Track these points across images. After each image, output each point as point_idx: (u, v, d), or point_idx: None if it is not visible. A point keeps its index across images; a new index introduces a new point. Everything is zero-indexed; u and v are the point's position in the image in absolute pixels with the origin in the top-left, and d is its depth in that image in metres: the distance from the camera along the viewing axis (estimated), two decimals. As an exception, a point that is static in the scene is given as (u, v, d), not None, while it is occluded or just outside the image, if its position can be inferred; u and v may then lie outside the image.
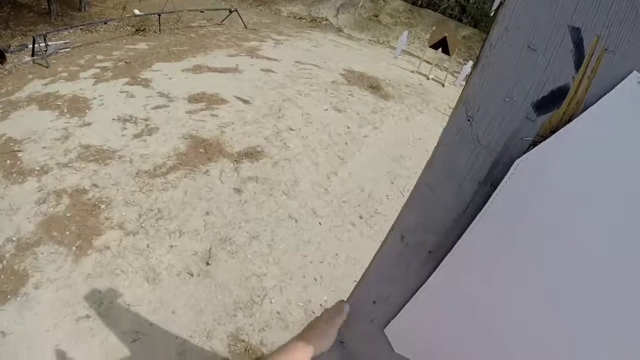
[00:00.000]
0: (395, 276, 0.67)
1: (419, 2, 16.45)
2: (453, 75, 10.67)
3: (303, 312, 2.89)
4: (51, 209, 3.47)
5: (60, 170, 3.94)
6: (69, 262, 2.97)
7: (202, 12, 10.43)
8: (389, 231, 0.71)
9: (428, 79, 9.85)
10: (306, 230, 3.59)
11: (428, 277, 0.62)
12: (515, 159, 0.46)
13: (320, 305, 2.98)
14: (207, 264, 3.06)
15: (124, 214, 3.42)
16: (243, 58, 7.86)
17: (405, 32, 10.90)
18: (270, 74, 7.18)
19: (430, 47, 9.67)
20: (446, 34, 9.39)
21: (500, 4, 0.46)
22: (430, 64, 9.94)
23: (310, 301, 2.98)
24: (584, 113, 0.42)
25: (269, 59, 8.12)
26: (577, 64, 0.41)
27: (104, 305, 2.66)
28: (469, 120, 0.49)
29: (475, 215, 0.50)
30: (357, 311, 0.79)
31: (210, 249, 3.18)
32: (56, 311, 2.63)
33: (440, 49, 9.41)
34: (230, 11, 10.78)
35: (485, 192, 0.49)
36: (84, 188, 3.70)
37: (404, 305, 0.67)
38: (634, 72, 0.39)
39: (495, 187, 0.48)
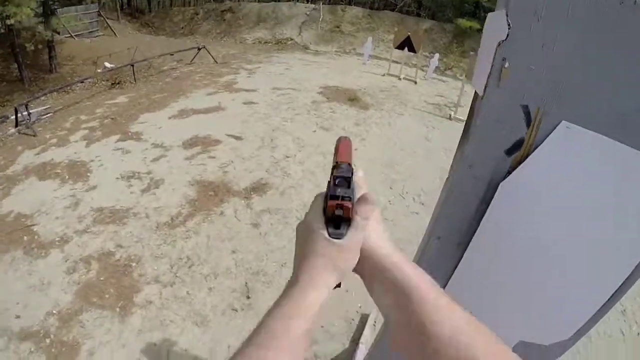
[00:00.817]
0: (433, 268, 0.90)
1: (376, 6, 17.07)
2: (422, 70, 11.17)
3: (344, 321, 3.18)
4: (83, 276, 3.65)
5: (80, 237, 4.13)
6: (117, 323, 3.18)
7: (172, 55, 10.70)
8: (428, 236, 0.98)
9: (400, 79, 10.29)
10: (326, 251, 3.87)
11: (457, 264, 0.93)
12: (499, 183, 0.77)
13: (357, 311, 3.27)
14: (248, 297, 3.32)
15: (155, 267, 3.64)
16: (223, 94, 8.16)
17: (369, 38, 11.37)
18: (253, 105, 7.49)
19: (396, 48, 10.13)
20: (409, 33, 9.86)
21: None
22: (399, 63, 10.40)
23: (347, 310, 3.27)
24: (534, 151, 0.73)
25: (247, 90, 8.44)
26: (528, 124, 0.71)
27: (162, 355, 2.88)
28: (469, 167, 0.79)
29: (482, 219, 0.83)
30: None
31: (246, 283, 3.45)
32: (118, 372, 2.85)
33: (406, 48, 9.86)
34: (199, 49, 11.10)
35: (484, 207, 0.81)
36: (109, 250, 3.90)
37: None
38: (563, 121, 0.69)
39: (489, 202, 0.80)
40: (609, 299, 0.83)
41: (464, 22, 13.83)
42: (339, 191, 0.52)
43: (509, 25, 0.62)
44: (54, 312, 3.34)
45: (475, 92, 0.75)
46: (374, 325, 3.16)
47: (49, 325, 3.23)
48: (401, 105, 8.26)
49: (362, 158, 5.73)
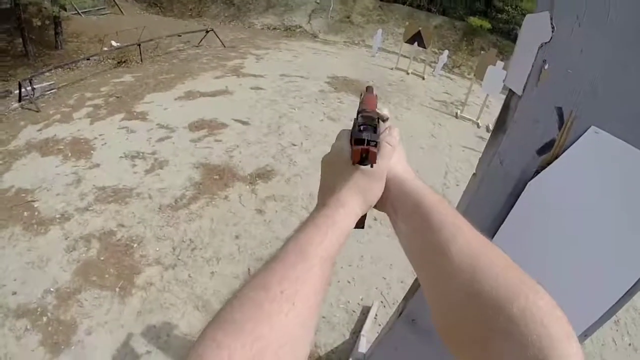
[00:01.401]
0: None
1: (387, -2, 16.78)
2: (431, 66, 11.02)
3: (345, 312, 3.10)
4: (83, 255, 3.57)
5: (81, 215, 4.04)
6: (116, 304, 3.11)
7: (180, 36, 10.53)
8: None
9: (408, 73, 10.16)
10: (331, 241, 3.80)
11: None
12: (528, 181, 0.78)
13: (358, 303, 3.20)
14: (250, 285, 3.25)
15: (157, 249, 3.56)
16: (230, 78, 8.03)
17: (379, 31, 11.20)
18: (260, 91, 7.36)
19: (405, 42, 9.98)
20: (420, 28, 9.71)
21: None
22: (408, 58, 10.25)
23: (349, 302, 3.20)
24: (563, 153, 0.73)
25: (254, 76, 8.30)
26: (560, 126, 0.71)
27: (162, 339, 2.81)
28: (501, 163, 0.79)
29: (507, 214, 0.84)
30: None
31: (249, 270, 3.37)
32: (116, 352, 2.77)
33: (416, 43, 9.72)
34: (207, 31, 10.92)
35: (513, 199, 0.81)
36: (111, 230, 3.82)
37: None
38: (592, 126, 0.69)
39: (518, 196, 0.80)
40: (616, 302, 0.86)
41: (475, 21, 13.64)
42: (365, 135, 0.51)
43: (552, 27, 0.64)
44: (52, 289, 3.27)
45: (510, 90, 0.76)
46: (375, 318, 3.09)
47: (47, 303, 3.15)
48: (408, 100, 8.14)
49: (368, 150, 5.63)
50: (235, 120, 5.97)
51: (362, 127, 0.54)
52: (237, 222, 3.90)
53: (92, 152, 5.21)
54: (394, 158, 0.56)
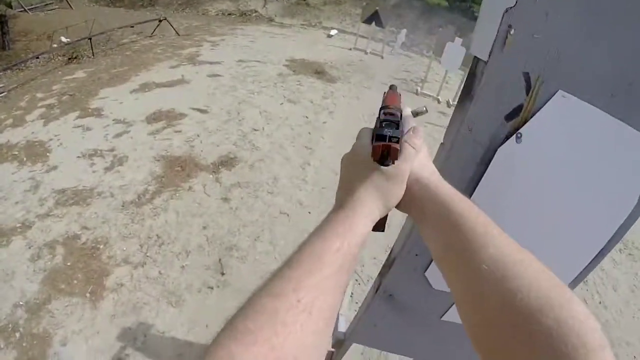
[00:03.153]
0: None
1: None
2: (389, 45, 10.88)
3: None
4: (49, 262, 3.32)
5: (42, 222, 3.75)
6: (88, 310, 2.92)
7: (132, 27, 9.85)
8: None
9: (366, 53, 10.00)
10: (299, 222, 3.72)
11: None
12: (498, 147, 0.75)
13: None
14: (222, 274, 3.13)
15: (124, 248, 3.36)
16: (186, 67, 7.61)
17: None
18: (218, 78, 7.03)
19: (363, 22, 9.76)
20: (377, 8, 9.49)
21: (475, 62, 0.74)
22: (366, 37, 10.06)
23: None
24: (532, 117, 0.71)
25: (211, 63, 7.91)
26: (527, 91, 0.69)
27: (139, 339, 2.68)
28: (470, 130, 0.75)
29: (479, 182, 0.80)
30: (402, 264, 1.02)
31: (219, 260, 3.24)
32: None
33: (373, 23, 9.52)
34: (160, 21, 10.27)
35: (484, 167, 0.78)
36: (74, 233, 3.57)
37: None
38: (559, 90, 0.67)
39: (489, 163, 0.77)
40: (589, 263, 0.86)
41: (432, -1, 13.50)
42: (386, 131, 0.48)
43: None
44: (21, 303, 3.02)
45: (476, 57, 0.72)
46: (351, 296, 3.06)
47: (17, 318, 2.91)
48: (368, 79, 8.03)
49: (331, 130, 5.53)
50: (194, 109, 5.68)
51: (384, 124, 0.50)
52: (203, 212, 3.74)
53: (48, 154, 4.82)
54: (419, 160, 0.53)
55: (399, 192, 0.51)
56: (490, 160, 0.77)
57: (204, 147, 4.74)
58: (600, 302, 3.52)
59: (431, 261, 0.97)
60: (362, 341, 1.42)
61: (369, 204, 0.49)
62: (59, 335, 2.77)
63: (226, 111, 5.71)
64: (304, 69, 7.86)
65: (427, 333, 1.25)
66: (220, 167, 4.38)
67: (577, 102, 0.68)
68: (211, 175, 4.24)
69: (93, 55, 8.37)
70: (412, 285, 1.05)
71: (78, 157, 4.69)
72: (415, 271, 1.01)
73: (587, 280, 3.64)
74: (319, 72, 7.74)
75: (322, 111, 6.02)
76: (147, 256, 3.27)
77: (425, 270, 1.00)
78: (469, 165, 0.80)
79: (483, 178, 0.79)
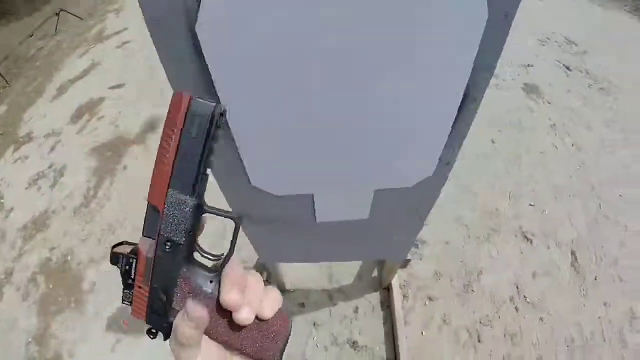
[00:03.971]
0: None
1: None
2: None
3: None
4: (36, 294, 3.32)
5: (19, 263, 3.70)
6: (77, 318, 2.99)
7: (32, 35, 8.93)
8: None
9: None
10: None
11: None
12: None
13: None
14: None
15: (86, 250, 3.32)
16: (94, 49, 6.89)
17: None
18: (126, 45, 6.37)
19: None
20: None
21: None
22: None
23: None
24: None
25: (117, 32, 7.12)
26: None
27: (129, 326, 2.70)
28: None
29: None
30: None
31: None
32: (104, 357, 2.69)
33: None
34: (57, 14, 9.18)
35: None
36: (46, 257, 3.54)
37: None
38: None
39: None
40: (456, 121, 0.76)
41: None
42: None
43: None
44: (30, 340, 3.11)
45: None
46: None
47: (32, 353, 3.01)
48: None
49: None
50: (110, 88, 5.21)
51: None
52: (143, 184, 3.51)
53: (2, 200, 4.68)
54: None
55: None
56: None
57: (127, 122, 4.39)
58: (572, 145, 3.09)
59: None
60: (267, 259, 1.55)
61: None
62: (66, 351, 2.86)
63: (143, 77, 5.19)
64: None
65: (306, 232, 1.23)
66: (147, 133, 4.07)
67: None
68: (140, 146, 3.96)
69: (7, 83, 7.76)
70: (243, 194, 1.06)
71: (26, 188, 4.51)
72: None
73: (554, 124, 3.17)
74: None
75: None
76: (106, 247, 3.20)
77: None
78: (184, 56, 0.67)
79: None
